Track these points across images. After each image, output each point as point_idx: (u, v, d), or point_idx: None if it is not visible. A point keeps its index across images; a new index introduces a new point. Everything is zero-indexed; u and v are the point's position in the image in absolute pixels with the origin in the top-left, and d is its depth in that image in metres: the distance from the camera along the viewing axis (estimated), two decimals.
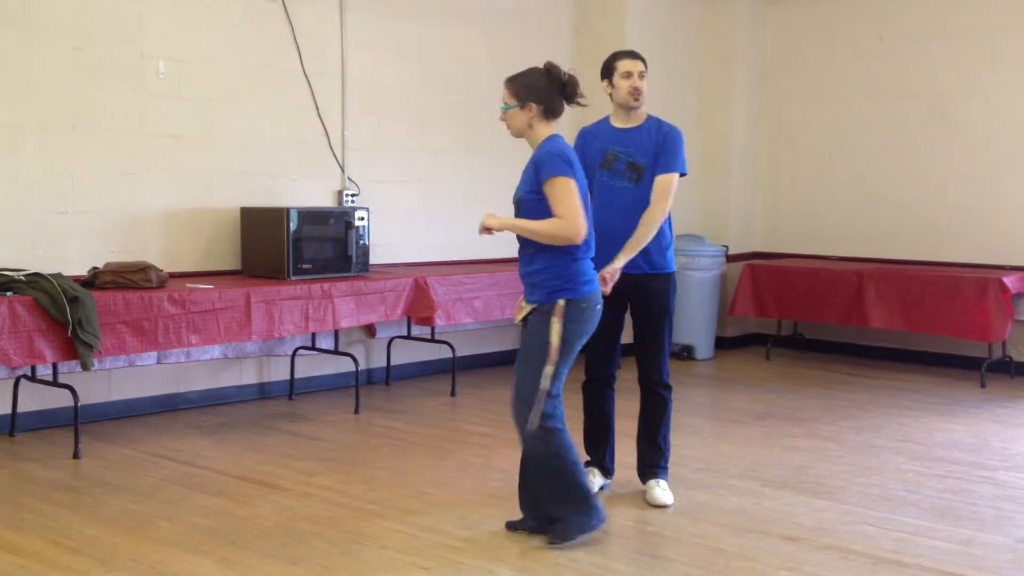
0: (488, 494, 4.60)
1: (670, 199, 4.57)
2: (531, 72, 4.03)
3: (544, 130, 4.03)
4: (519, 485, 4.19)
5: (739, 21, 9.05)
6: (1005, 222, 8.08)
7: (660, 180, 4.56)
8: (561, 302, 3.96)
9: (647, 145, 4.59)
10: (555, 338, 3.95)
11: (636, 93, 4.60)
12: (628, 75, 4.60)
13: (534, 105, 3.99)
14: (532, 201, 3.99)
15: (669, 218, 4.68)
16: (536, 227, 3.95)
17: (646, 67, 4.67)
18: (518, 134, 4.08)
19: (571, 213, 3.90)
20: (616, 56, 4.69)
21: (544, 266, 3.99)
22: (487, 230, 4.03)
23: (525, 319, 4.10)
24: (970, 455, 5.59)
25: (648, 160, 4.58)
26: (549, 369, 3.97)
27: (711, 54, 9.14)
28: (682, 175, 4.64)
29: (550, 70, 4.03)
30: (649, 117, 4.69)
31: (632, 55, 4.68)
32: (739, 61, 9.08)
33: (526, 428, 4.00)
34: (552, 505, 4.04)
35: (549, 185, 3.92)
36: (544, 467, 4.02)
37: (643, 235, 4.51)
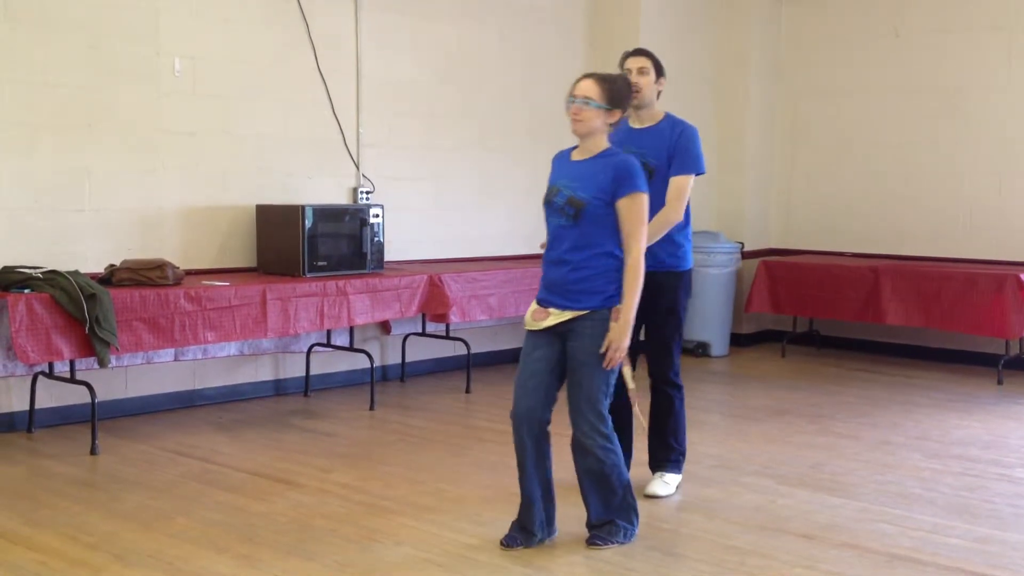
0: (503, 491, 4.59)
1: (684, 201, 4.54)
2: (621, 80, 3.99)
3: (605, 138, 3.98)
4: (536, 502, 3.99)
5: (754, 17, 9.01)
6: (1022, 218, 8.03)
7: (674, 182, 4.53)
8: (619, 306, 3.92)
9: (661, 146, 4.56)
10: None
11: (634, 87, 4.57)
12: (627, 72, 4.57)
13: (619, 113, 3.94)
14: (598, 207, 3.86)
15: (687, 216, 4.65)
16: (634, 294, 3.87)
17: (653, 63, 4.64)
18: (587, 133, 3.92)
19: (643, 236, 3.88)
20: (623, 56, 4.69)
21: (601, 271, 3.89)
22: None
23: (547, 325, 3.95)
24: (987, 452, 5.56)
25: (661, 162, 4.55)
26: (628, 370, 3.98)
27: (726, 50, 9.11)
28: (699, 174, 4.62)
29: (628, 82, 4.06)
30: (666, 116, 4.66)
31: (634, 52, 4.67)
32: (754, 57, 9.05)
33: (596, 438, 3.90)
34: (606, 509, 4.01)
35: (631, 199, 3.85)
36: (603, 473, 3.95)
37: (652, 235, 4.47)
